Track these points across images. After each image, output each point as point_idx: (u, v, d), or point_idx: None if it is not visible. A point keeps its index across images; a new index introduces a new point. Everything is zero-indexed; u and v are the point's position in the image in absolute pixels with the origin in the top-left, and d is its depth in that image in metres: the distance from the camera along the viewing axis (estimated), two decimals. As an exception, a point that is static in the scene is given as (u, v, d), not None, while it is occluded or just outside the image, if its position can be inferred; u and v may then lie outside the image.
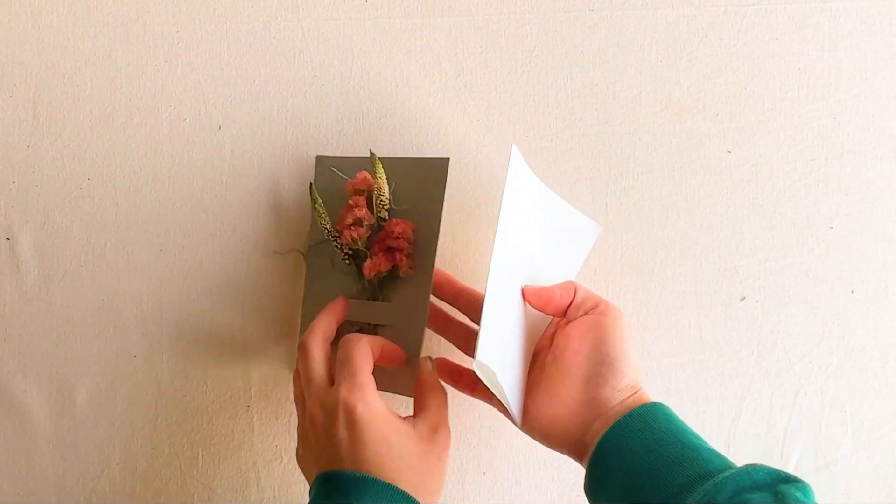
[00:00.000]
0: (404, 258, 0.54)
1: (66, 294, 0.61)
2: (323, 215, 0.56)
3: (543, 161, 0.60)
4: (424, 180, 0.55)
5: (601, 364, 0.49)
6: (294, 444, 0.61)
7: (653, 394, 0.50)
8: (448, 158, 0.55)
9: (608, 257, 0.61)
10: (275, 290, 0.61)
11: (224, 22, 0.61)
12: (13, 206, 0.61)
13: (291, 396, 0.60)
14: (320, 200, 0.56)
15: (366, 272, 0.54)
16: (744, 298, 0.61)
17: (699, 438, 0.47)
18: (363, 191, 0.56)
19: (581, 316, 0.52)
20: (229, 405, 0.61)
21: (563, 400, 0.50)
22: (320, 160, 0.60)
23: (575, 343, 0.50)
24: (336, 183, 0.58)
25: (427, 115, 0.61)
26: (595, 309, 0.51)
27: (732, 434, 0.61)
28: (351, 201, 0.55)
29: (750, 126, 0.61)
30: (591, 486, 0.47)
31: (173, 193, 0.61)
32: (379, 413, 0.47)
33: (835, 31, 0.61)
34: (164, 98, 0.61)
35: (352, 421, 0.46)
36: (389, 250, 0.54)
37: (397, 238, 0.54)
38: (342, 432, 0.46)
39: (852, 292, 0.61)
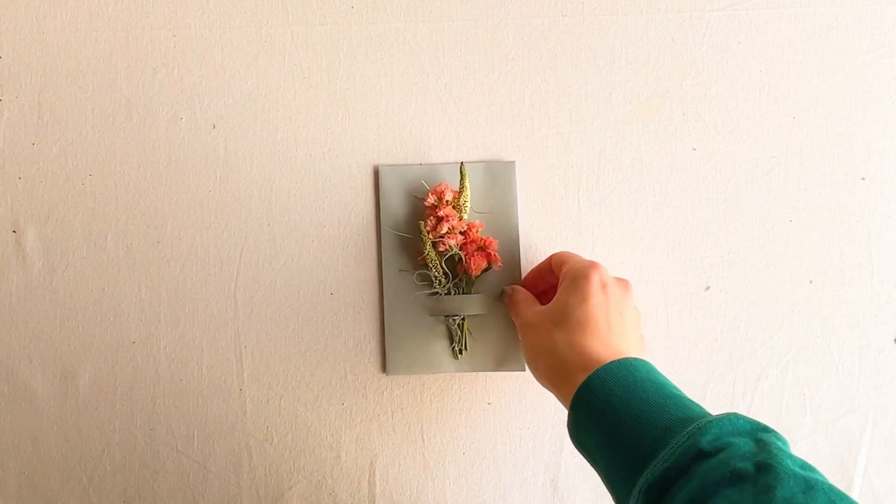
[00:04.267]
0: (495, 254, 0.60)
1: (69, 283, 0.62)
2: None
3: (520, 158, 0.63)
4: (493, 182, 0.62)
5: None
6: (283, 427, 0.62)
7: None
8: (514, 161, 0.62)
9: (580, 249, 0.62)
10: (264, 279, 0.62)
11: (218, 27, 0.63)
12: (19, 200, 0.62)
13: (281, 380, 0.62)
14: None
15: (473, 271, 0.60)
16: (708, 288, 0.63)
17: (679, 390, 0.47)
18: (449, 201, 0.60)
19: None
20: (223, 389, 0.62)
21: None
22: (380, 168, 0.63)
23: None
24: (393, 187, 0.62)
25: (409, 116, 0.63)
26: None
27: (698, 416, 0.63)
28: (443, 212, 0.60)
29: (714, 125, 0.63)
30: (575, 426, 0.48)
31: (170, 189, 0.62)
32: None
33: (793, 36, 0.63)
34: (162, 99, 0.62)
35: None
36: (481, 249, 0.60)
37: (485, 239, 0.60)
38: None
39: (811, 282, 0.63)
